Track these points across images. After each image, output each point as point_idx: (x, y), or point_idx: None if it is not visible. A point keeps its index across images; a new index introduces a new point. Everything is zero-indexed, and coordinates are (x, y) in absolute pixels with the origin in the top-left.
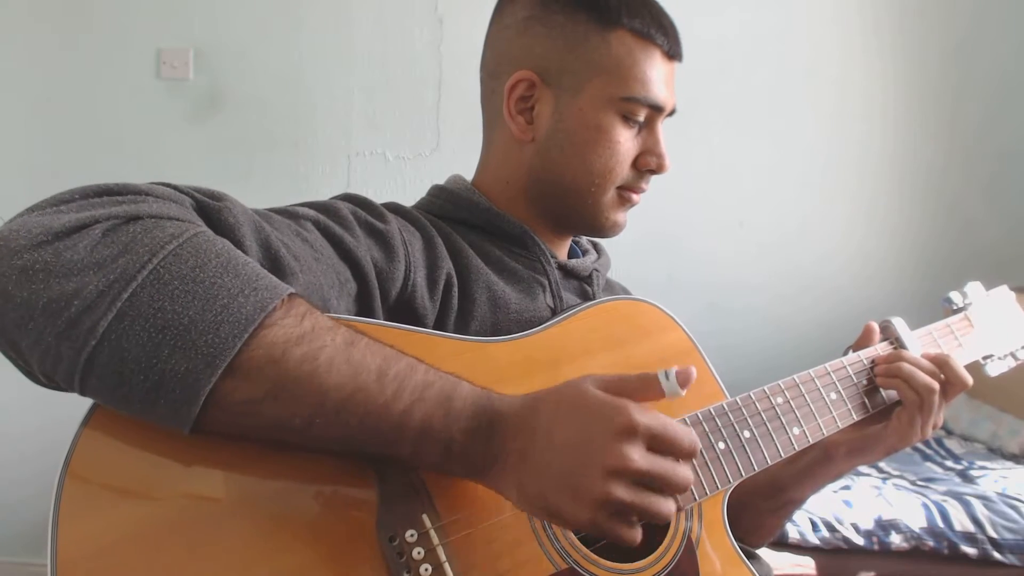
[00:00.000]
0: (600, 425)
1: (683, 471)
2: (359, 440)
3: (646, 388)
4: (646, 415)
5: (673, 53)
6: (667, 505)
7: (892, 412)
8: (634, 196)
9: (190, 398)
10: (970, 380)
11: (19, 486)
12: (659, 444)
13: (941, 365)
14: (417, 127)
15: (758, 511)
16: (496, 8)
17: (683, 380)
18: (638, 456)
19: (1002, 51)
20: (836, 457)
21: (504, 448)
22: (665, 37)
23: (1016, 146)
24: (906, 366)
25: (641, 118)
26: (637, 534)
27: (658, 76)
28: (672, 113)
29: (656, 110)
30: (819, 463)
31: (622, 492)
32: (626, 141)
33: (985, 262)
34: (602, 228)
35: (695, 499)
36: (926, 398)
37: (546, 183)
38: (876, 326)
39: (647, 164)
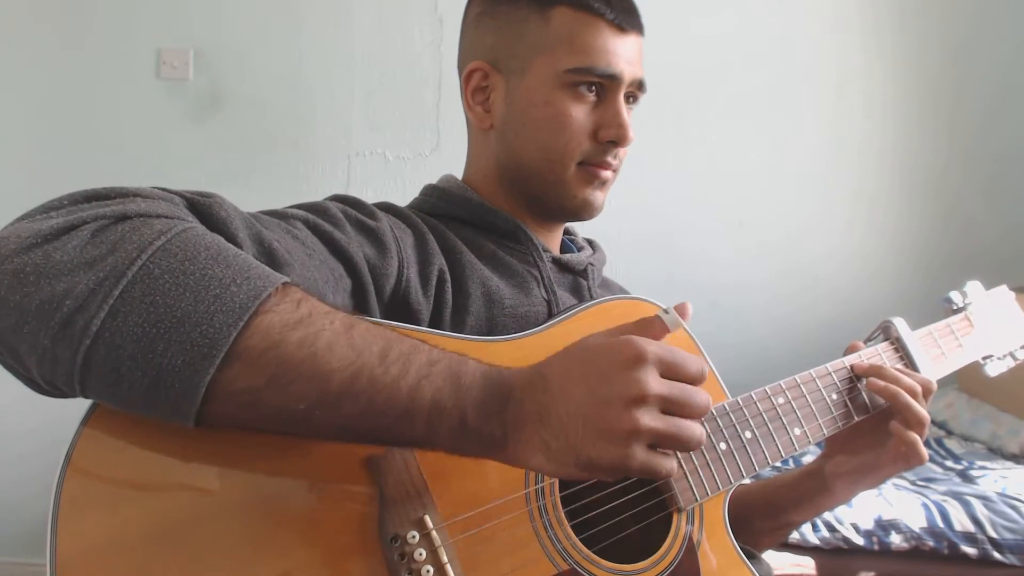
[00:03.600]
0: (611, 361)
1: (701, 393)
2: (367, 424)
3: (647, 328)
4: (652, 343)
5: (621, 23)
6: (697, 429)
7: (887, 439)
8: (601, 172)
9: (190, 391)
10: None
11: (19, 486)
12: (671, 370)
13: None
14: (417, 127)
15: (755, 530)
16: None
17: (681, 312)
18: (654, 380)
19: (1002, 51)
20: (836, 489)
21: (520, 415)
22: (607, 6)
23: (1016, 146)
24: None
25: (592, 90)
26: (673, 463)
27: (604, 45)
28: (641, 87)
29: (608, 79)
30: (819, 492)
31: (649, 419)
32: (578, 115)
33: (985, 262)
34: (575, 209)
35: (697, 500)
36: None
37: (510, 168)
38: (861, 344)
39: (607, 136)
